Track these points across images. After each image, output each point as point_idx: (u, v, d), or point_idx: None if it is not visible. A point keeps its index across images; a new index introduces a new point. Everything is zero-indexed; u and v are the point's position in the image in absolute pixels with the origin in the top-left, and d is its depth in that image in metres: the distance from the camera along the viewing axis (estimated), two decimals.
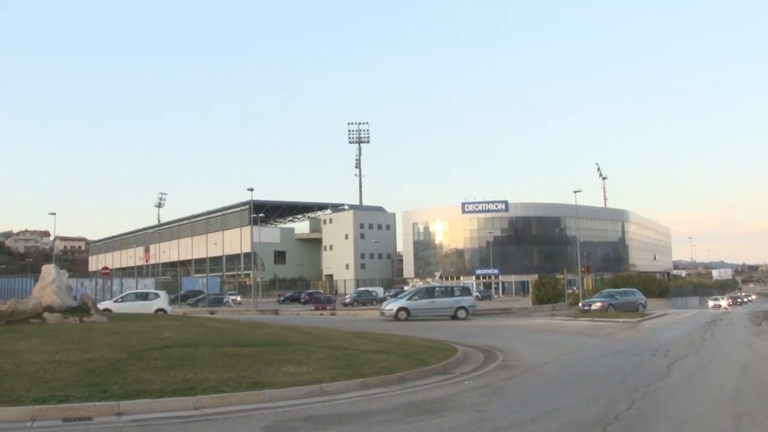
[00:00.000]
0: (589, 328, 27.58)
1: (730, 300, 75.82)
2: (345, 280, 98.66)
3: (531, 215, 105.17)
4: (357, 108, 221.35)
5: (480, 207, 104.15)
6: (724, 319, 34.37)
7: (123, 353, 12.56)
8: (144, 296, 35.19)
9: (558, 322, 32.55)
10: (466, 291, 33.86)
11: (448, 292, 33.24)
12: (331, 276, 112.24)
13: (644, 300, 43.72)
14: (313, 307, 53.68)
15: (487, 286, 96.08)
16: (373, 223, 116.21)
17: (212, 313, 44.45)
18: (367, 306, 57.71)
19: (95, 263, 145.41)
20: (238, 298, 67.93)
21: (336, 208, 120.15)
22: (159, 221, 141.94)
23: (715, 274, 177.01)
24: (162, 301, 34.21)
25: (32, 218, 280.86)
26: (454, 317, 30.45)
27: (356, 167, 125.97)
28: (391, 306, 32.53)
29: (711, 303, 69.63)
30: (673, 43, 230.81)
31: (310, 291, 78.05)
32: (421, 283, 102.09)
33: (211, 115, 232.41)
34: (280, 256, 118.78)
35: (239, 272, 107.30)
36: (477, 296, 57.64)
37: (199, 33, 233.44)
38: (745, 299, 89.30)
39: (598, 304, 38.30)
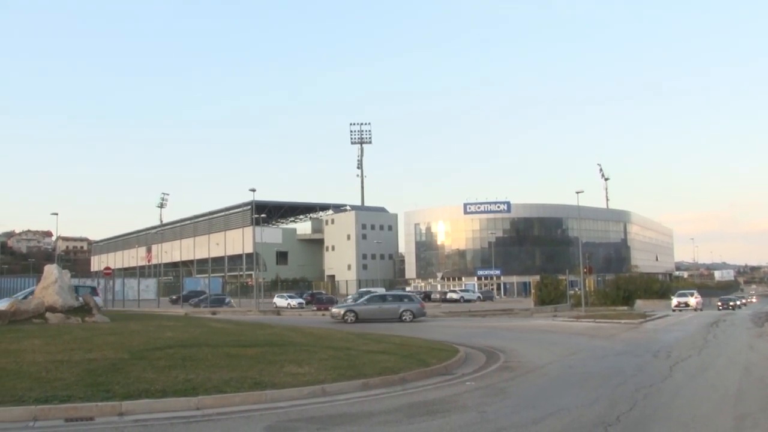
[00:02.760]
0: (591, 329, 27.56)
1: (698, 298, 54.94)
2: (347, 281, 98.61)
3: (533, 216, 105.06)
4: (359, 108, 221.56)
5: (482, 207, 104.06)
6: (727, 320, 34.32)
7: (125, 353, 12.57)
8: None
9: (560, 323, 32.52)
10: (412, 298, 35.98)
11: (397, 298, 35.29)
12: (333, 276, 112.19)
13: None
14: (315, 308, 53.70)
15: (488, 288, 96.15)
16: (375, 223, 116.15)
17: (214, 313, 44.46)
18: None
19: (97, 263, 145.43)
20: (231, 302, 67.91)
21: (338, 208, 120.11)
22: (161, 221, 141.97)
23: (718, 275, 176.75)
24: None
25: (35, 218, 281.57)
26: (401, 320, 31.92)
27: (358, 168, 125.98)
28: (339, 309, 33.75)
29: (675, 301, 52.06)
30: (675, 44, 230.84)
31: (312, 291, 78.03)
32: (423, 284, 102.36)
33: (213, 116, 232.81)
34: (282, 257, 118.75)
35: (241, 273, 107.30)
36: (473, 300, 57.79)
37: (201, 33, 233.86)
38: (738, 301, 69.68)
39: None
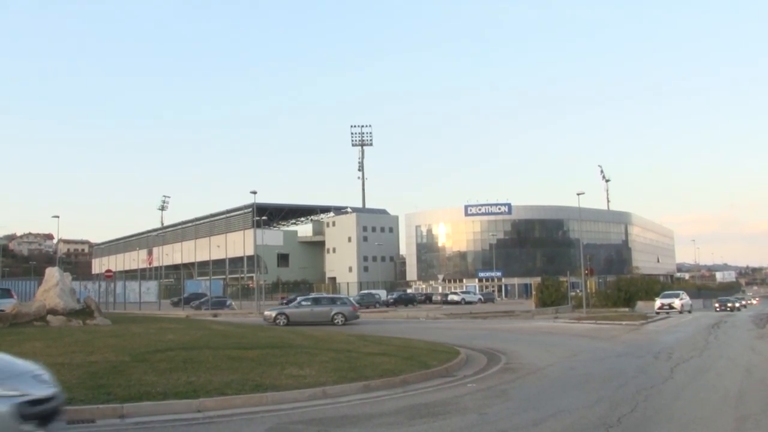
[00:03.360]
0: (592, 330, 27.57)
1: (681, 302, 48.67)
2: (348, 283, 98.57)
3: (534, 217, 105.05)
4: (359, 110, 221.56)
5: (483, 209, 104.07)
6: (728, 321, 34.32)
7: (126, 356, 12.59)
8: None
9: (561, 325, 32.52)
10: (345, 301, 36.16)
11: (330, 301, 35.48)
12: (334, 279, 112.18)
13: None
14: None
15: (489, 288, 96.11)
16: (375, 225, 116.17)
17: (215, 315, 44.50)
18: (370, 309, 57.71)
19: (98, 266, 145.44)
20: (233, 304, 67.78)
21: (339, 210, 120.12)
22: (162, 224, 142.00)
23: (719, 276, 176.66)
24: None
25: (36, 221, 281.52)
26: (332, 323, 31.82)
27: (359, 170, 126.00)
28: (271, 312, 33.67)
29: (658, 303, 46.70)
30: (676, 45, 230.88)
31: (314, 294, 78.04)
32: (424, 286, 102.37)
33: (213, 118, 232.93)
34: (283, 259, 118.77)
35: (242, 275, 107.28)
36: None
37: (202, 35, 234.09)
38: (737, 303, 64.88)
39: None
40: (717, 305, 60.63)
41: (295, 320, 31.88)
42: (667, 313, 43.88)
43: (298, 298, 39.96)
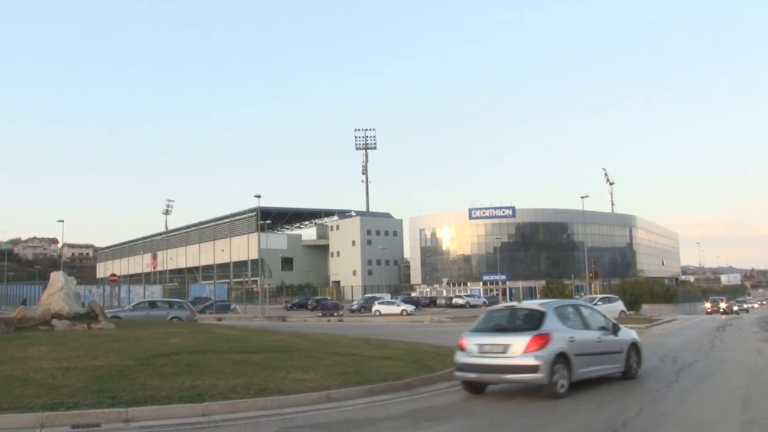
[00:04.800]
0: None
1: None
2: (352, 287, 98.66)
3: (538, 221, 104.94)
4: (363, 114, 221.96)
5: (487, 213, 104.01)
6: (733, 324, 34.19)
7: (131, 360, 12.60)
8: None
9: None
10: (182, 305, 35.48)
11: (167, 305, 34.85)
12: (338, 282, 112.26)
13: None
14: (320, 314, 53.72)
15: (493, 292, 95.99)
16: (380, 229, 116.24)
17: (219, 319, 44.56)
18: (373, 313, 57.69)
19: (103, 270, 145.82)
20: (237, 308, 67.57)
21: (343, 214, 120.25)
22: (166, 228, 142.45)
23: (724, 279, 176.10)
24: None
25: (40, 225, 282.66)
26: None
27: (363, 173, 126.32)
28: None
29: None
30: (680, 48, 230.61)
31: (318, 297, 78.07)
32: (428, 290, 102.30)
33: (218, 122, 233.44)
34: (287, 263, 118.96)
35: (246, 279, 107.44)
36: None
37: (207, 40, 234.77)
38: (738, 306, 64.05)
39: None
40: (709, 305, 59.34)
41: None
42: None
43: (135, 302, 39.48)
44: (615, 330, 12.76)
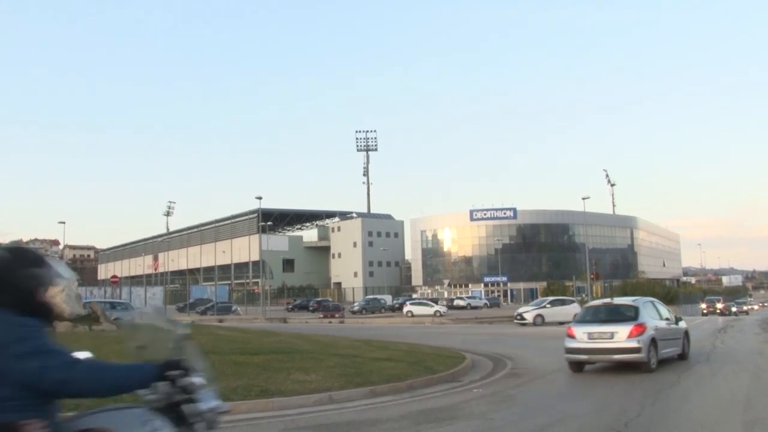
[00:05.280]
0: None
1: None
2: (353, 288, 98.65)
3: (539, 222, 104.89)
4: (365, 116, 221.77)
5: (488, 214, 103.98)
6: (735, 326, 34.17)
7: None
8: None
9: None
10: (126, 307, 35.50)
11: (110, 306, 34.25)
12: (339, 284, 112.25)
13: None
14: (321, 315, 53.79)
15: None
16: (381, 230, 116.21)
17: (221, 321, 44.59)
18: (376, 314, 57.75)
19: (104, 271, 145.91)
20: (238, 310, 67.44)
21: (344, 215, 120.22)
22: (168, 229, 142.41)
23: (725, 280, 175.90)
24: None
25: (42, 227, 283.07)
26: None
27: (364, 175, 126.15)
28: None
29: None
30: (681, 50, 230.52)
31: (319, 299, 78.13)
32: (429, 291, 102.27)
33: (219, 124, 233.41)
34: (288, 264, 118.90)
35: (248, 280, 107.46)
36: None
37: (207, 42, 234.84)
38: (736, 307, 61.07)
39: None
40: (705, 306, 58.14)
41: None
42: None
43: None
44: (677, 321, 16.14)
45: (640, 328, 13.76)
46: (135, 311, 34.51)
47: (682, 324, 16.47)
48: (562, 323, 34.68)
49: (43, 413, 2.58)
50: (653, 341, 13.86)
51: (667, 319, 15.54)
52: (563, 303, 41.10)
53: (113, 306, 33.71)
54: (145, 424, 2.67)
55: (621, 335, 13.72)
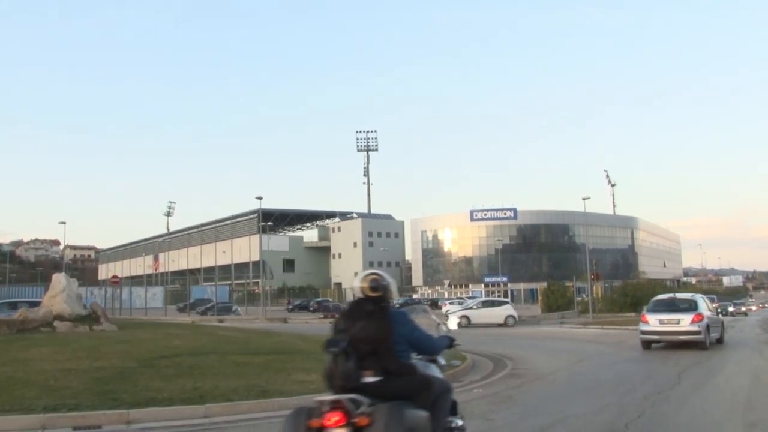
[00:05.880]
0: (599, 335, 27.49)
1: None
2: (353, 288, 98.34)
3: (540, 222, 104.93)
4: (365, 116, 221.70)
5: (488, 215, 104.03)
6: (735, 326, 34.14)
7: (132, 361, 12.61)
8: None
9: (567, 330, 32.43)
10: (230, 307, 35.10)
11: (28, 305, 34.26)
12: (339, 284, 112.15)
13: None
14: (321, 316, 53.74)
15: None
16: (381, 231, 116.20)
17: (221, 321, 44.53)
18: None
19: (105, 272, 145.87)
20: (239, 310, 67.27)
21: (344, 216, 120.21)
22: (168, 230, 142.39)
23: (726, 281, 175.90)
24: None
25: (42, 227, 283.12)
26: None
27: (364, 175, 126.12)
28: None
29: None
30: (682, 49, 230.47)
31: (319, 299, 78.11)
32: (430, 292, 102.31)
33: (219, 124, 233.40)
34: (288, 265, 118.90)
35: (248, 281, 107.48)
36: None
37: (207, 43, 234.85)
38: (739, 306, 58.58)
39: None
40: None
41: None
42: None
43: None
44: (717, 313, 22.01)
45: (700, 317, 18.67)
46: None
47: (720, 316, 22.70)
48: (499, 325, 34.32)
49: (410, 359, 4.83)
50: (708, 327, 18.83)
51: (710, 311, 20.28)
52: (493, 304, 38.95)
53: (31, 305, 33.71)
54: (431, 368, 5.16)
55: (685, 321, 18.59)
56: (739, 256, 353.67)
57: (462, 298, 74.99)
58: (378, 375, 4.52)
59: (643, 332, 19.25)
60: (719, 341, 20.42)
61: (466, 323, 33.81)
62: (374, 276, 5.46)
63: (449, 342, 5.42)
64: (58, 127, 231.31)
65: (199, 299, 68.77)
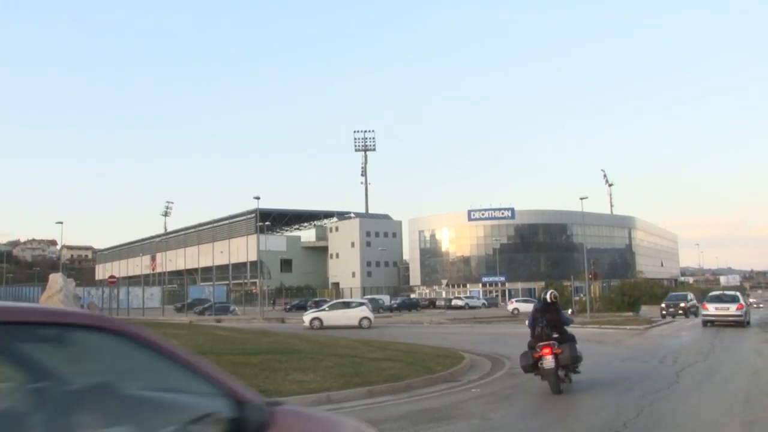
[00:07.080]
0: (597, 335, 27.48)
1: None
2: (351, 288, 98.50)
3: (537, 222, 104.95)
4: (363, 116, 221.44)
5: (486, 214, 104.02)
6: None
7: None
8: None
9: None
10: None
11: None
12: (337, 284, 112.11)
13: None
14: None
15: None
16: (379, 230, 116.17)
17: (219, 321, 44.48)
18: (374, 314, 57.59)
19: (102, 272, 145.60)
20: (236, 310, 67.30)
21: (342, 216, 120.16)
22: (165, 230, 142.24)
23: (723, 280, 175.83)
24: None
25: (39, 227, 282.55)
26: None
27: (362, 175, 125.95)
28: None
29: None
30: (680, 48, 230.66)
31: (317, 299, 78.03)
32: (427, 291, 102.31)
33: (216, 124, 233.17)
34: (286, 264, 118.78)
35: (246, 281, 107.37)
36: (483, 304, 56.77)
37: (205, 42, 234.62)
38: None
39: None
40: (664, 306, 42.77)
41: None
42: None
43: None
44: (748, 304, 31.75)
45: (742, 306, 28.38)
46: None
47: (748, 306, 32.20)
48: (354, 328, 32.38)
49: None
50: (747, 312, 28.84)
51: (745, 303, 29.89)
52: (347, 306, 37.72)
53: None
54: None
55: (732, 309, 27.86)
56: (737, 256, 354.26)
57: (455, 298, 74.99)
58: (557, 334, 11.36)
59: (705, 315, 28.70)
60: (749, 324, 28.90)
61: (318, 325, 33.76)
62: (554, 292, 11.87)
63: (572, 320, 11.90)
64: (55, 127, 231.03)
65: (197, 299, 68.73)
